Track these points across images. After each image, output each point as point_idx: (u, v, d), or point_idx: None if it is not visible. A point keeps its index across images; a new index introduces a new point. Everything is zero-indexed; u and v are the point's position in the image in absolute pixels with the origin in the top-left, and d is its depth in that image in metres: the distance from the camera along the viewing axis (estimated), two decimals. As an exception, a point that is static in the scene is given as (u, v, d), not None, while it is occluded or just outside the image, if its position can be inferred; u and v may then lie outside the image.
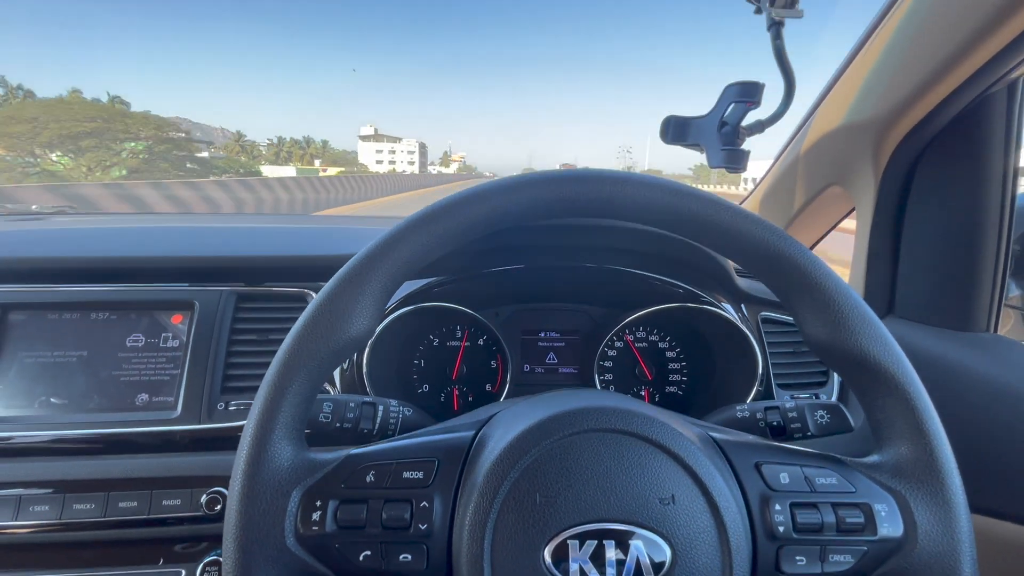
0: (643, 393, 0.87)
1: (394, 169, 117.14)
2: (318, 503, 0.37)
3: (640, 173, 0.43)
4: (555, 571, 0.35)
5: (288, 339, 0.39)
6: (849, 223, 1.08)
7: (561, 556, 0.35)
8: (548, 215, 0.42)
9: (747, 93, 0.62)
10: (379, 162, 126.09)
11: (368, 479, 0.38)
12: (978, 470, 0.39)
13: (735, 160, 0.63)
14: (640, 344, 0.88)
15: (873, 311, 0.41)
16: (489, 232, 0.42)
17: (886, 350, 0.39)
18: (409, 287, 0.78)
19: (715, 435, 0.43)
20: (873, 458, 0.41)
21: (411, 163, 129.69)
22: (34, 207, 1.24)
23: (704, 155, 0.69)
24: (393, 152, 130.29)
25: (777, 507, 0.39)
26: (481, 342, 0.87)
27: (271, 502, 0.37)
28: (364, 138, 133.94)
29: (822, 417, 0.53)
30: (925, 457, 0.38)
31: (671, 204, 0.42)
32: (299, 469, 0.38)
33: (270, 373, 0.38)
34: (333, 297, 0.39)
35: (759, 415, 0.55)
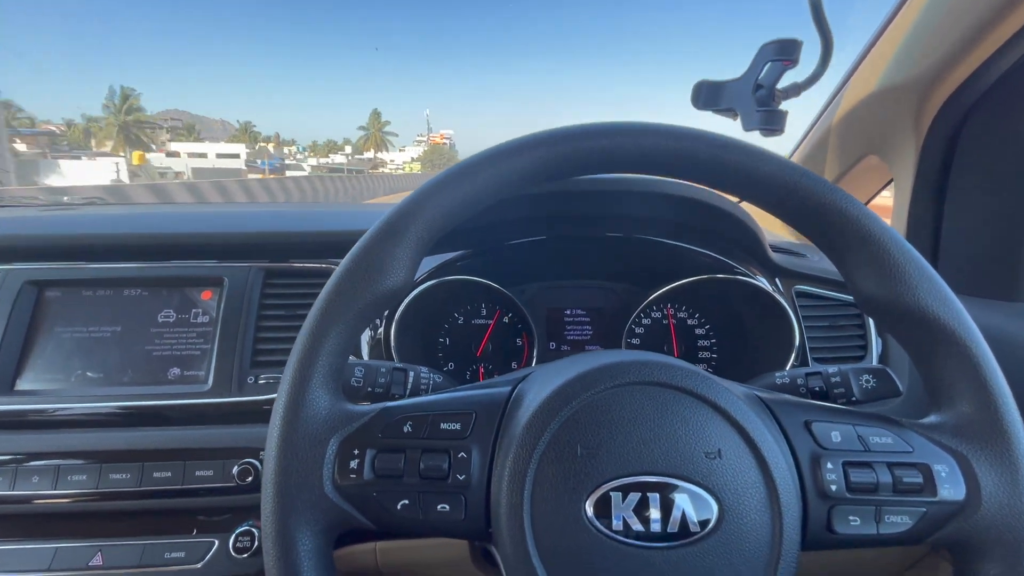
0: None
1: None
2: (355, 452, 0.37)
3: (681, 125, 0.41)
4: (597, 524, 0.34)
5: (326, 289, 0.38)
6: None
7: (603, 509, 0.34)
8: (587, 170, 0.41)
9: (784, 51, 0.60)
10: None
11: (405, 430, 0.38)
12: None
13: (772, 121, 0.61)
14: (669, 320, 0.86)
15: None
16: (524, 188, 0.41)
17: (947, 305, 0.37)
18: (433, 261, 0.78)
19: (761, 395, 0.41)
20: (931, 418, 0.39)
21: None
22: (65, 199, 1.27)
23: (738, 122, 0.67)
24: None
25: (829, 465, 0.37)
26: (507, 319, 0.86)
27: (309, 450, 0.36)
28: None
29: (868, 381, 0.51)
30: (989, 416, 0.36)
31: (715, 156, 0.40)
32: (336, 418, 0.38)
33: (308, 323, 0.38)
34: (370, 247, 0.38)
35: (800, 381, 0.53)
